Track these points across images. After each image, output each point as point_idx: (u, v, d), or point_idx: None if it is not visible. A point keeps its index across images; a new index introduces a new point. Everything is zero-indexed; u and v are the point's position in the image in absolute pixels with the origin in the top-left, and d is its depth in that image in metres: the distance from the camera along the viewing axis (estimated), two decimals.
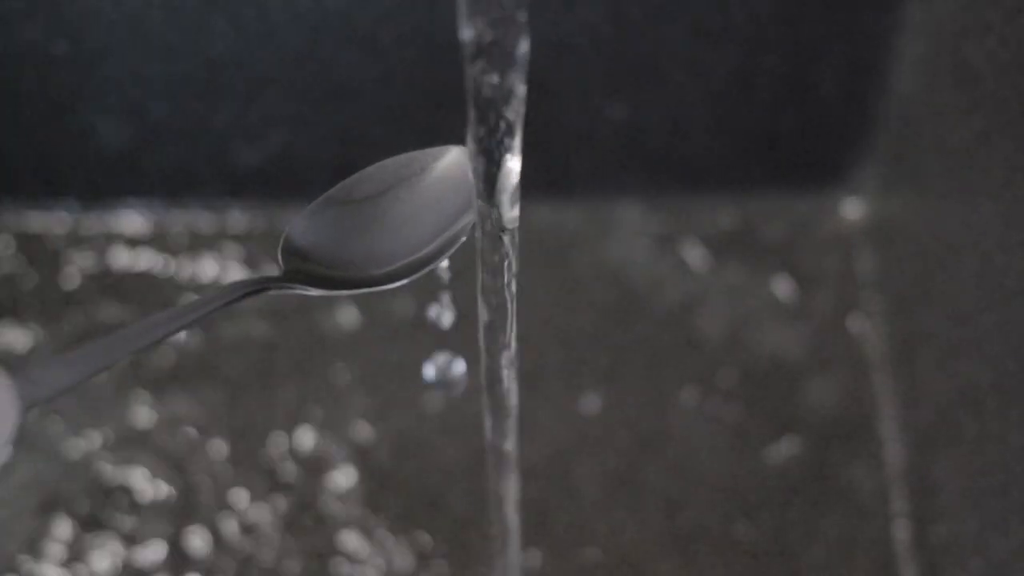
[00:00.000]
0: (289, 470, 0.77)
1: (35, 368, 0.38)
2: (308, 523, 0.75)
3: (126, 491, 0.76)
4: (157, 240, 0.83)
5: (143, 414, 0.78)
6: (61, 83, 0.79)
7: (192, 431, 0.78)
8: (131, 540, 0.75)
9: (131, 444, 0.77)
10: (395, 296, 0.80)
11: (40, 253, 0.82)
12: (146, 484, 0.76)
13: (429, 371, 0.57)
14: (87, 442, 0.77)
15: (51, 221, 0.83)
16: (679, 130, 0.83)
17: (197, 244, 0.83)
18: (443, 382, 0.56)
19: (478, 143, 0.38)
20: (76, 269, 0.82)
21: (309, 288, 0.44)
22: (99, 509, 0.75)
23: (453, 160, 0.45)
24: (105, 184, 0.83)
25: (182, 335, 0.78)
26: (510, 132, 0.37)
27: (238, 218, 0.84)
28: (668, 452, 0.78)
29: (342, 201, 0.46)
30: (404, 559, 0.75)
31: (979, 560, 0.67)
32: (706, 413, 0.79)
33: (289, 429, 0.78)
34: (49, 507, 0.75)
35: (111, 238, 0.83)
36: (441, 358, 0.57)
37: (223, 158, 0.82)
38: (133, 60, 0.78)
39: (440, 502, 0.76)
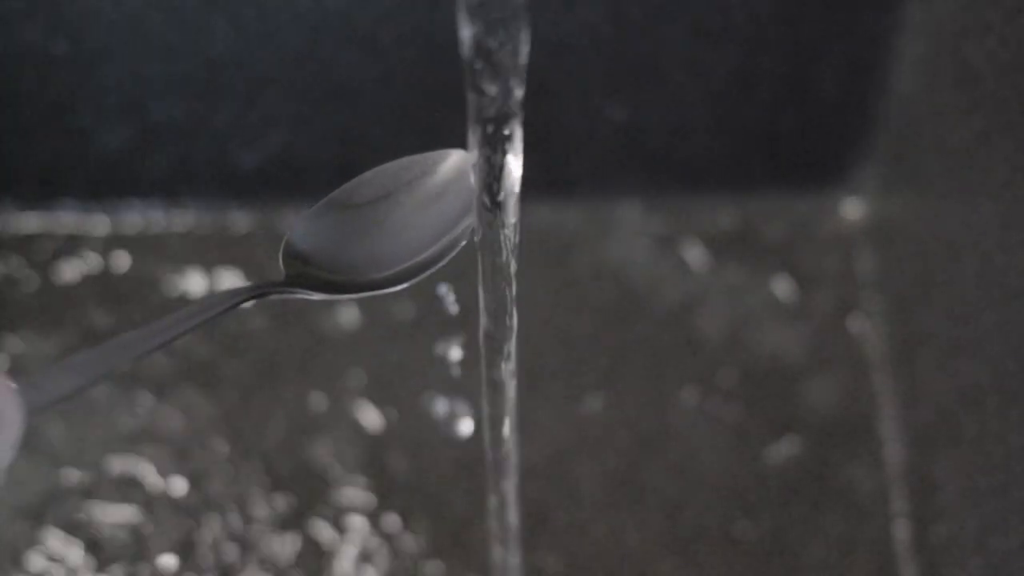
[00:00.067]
0: (289, 470, 0.77)
1: (39, 373, 0.38)
2: (307, 523, 0.75)
3: (126, 491, 0.76)
4: (157, 240, 0.83)
5: (143, 414, 0.78)
6: (61, 83, 0.79)
7: (192, 431, 0.78)
8: (130, 539, 0.75)
9: (131, 444, 0.77)
10: (396, 297, 0.80)
11: (40, 254, 0.82)
12: (145, 484, 0.76)
13: (440, 406, 0.57)
14: (87, 442, 0.77)
15: (51, 221, 0.83)
16: (679, 130, 0.83)
17: (197, 244, 0.83)
18: (449, 424, 0.57)
19: (478, 144, 0.38)
20: (76, 270, 0.82)
21: (311, 292, 0.44)
22: (98, 507, 0.75)
23: (454, 164, 0.45)
24: (105, 184, 0.83)
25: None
26: (510, 133, 0.37)
27: (238, 218, 0.84)
28: (668, 452, 0.78)
29: (343, 205, 0.46)
30: (404, 559, 0.75)
31: (979, 560, 0.67)
32: (706, 413, 0.79)
33: (289, 429, 0.78)
34: (46, 507, 0.75)
35: (111, 238, 0.83)
36: (448, 405, 0.57)
37: (223, 158, 0.82)
38: (133, 60, 0.78)
39: (440, 502, 0.76)
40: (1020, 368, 0.62)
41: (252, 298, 0.44)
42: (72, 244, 0.83)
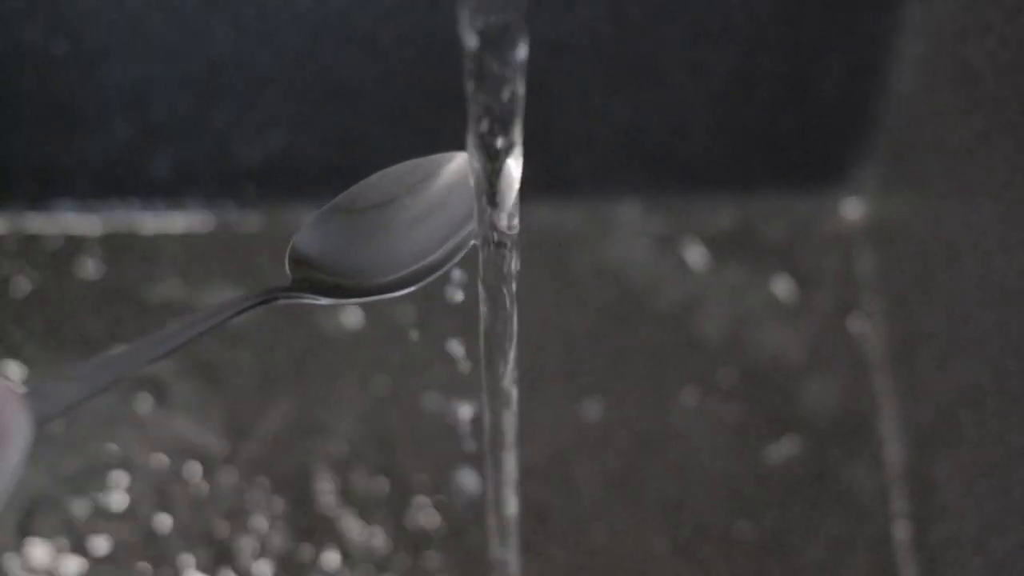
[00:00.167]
0: (289, 470, 0.77)
1: (46, 382, 0.38)
2: (307, 523, 0.75)
3: (123, 490, 0.76)
4: (157, 240, 0.83)
5: (142, 413, 0.78)
6: (61, 83, 0.79)
7: (192, 431, 0.78)
8: (130, 539, 0.75)
9: (130, 443, 0.77)
10: (397, 297, 0.80)
11: (40, 254, 0.82)
12: (145, 483, 0.76)
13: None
14: (86, 441, 0.77)
15: (51, 221, 0.83)
16: (679, 130, 0.83)
17: (197, 244, 0.83)
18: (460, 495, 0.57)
19: (478, 146, 0.38)
20: (76, 270, 0.82)
21: (318, 297, 0.44)
22: (98, 507, 0.75)
23: (458, 166, 0.45)
24: (105, 184, 0.83)
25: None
26: (510, 135, 0.37)
27: (238, 218, 0.84)
28: (668, 452, 0.78)
29: (348, 209, 0.46)
30: (403, 559, 0.75)
31: (979, 560, 0.67)
32: (706, 413, 0.79)
33: (289, 429, 0.78)
34: (41, 506, 0.75)
35: (111, 239, 0.83)
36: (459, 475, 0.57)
37: (223, 158, 0.82)
38: (133, 60, 0.78)
39: (440, 502, 0.76)
40: (1020, 368, 0.62)
41: (259, 304, 0.44)
42: (72, 244, 0.83)
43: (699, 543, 0.75)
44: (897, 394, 0.78)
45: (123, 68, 0.78)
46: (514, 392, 0.50)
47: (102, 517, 0.75)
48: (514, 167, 0.39)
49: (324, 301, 0.45)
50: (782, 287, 0.83)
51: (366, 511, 0.76)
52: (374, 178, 0.46)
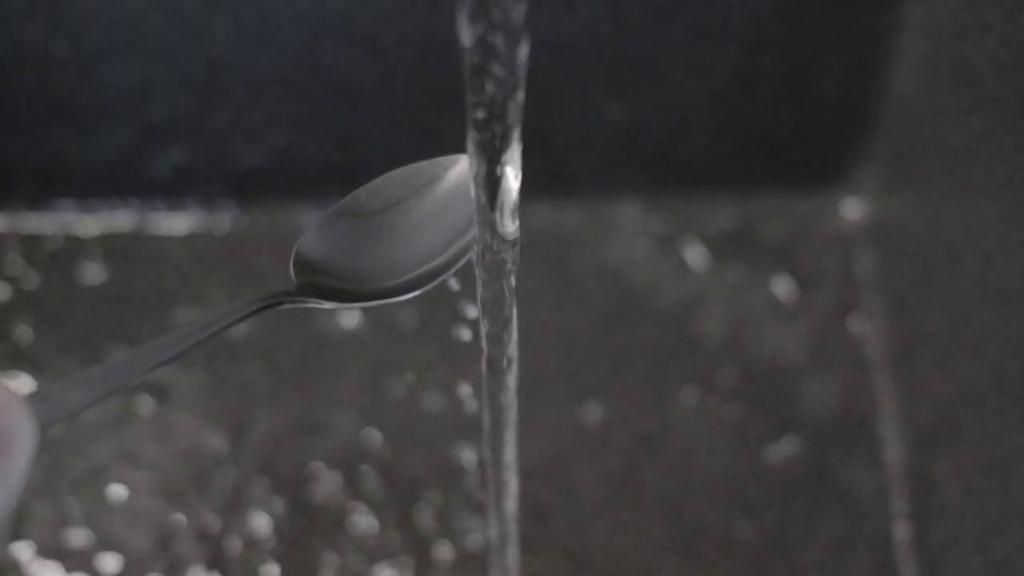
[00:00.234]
0: (289, 470, 0.77)
1: (51, 388, 0.38)
2: (307, 524, 0.75)
3: (121, 488, 0.76)
4: (157, 240, 0.83)
5: (143, 413, 0.78)
6: (61, 83, 0.79)
7: (191, 431, 0.78)
8: (130, 539, 0.75)
9: (130, 443, 0.77)
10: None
11: (40, 254, 0.82)
12: (144, 483, 0.76)
13: None
14: (87, 439, 0.77)
15: (51, 222, 0.83)
16: (679, 130, 0.83)
17: (197, 244, 0.83)
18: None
19: (477, 151, 0.38)
20: (76, 270, 0.82)
21: (322, 301, 0.44)
22: (97, 506, 0.75)
23: (463, 169, 0.45)
24: (105, 185, 0.83)
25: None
26: (510, 137, 0.37)
27: (238, 218, 0.84)
28: (668, 452, 0.78)
29: (352, 213, 0.46)
30: (403, 560, 0.75)
31: (979, 560, 0.67)
32: (706, 413, 0.79)
33: (289, 429, 0.78)
34: (40, 505, 0.75)
35: (111, 238, 0.83)
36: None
37: (223, 158, 0.82)
38: (133, 60, 0.78)
39: (440, 502, 0.76)
40: (1020, 368, 0.62)
41: (264, 309, 0.44)
42: (72, 244, 0.83)
43: (699, 543, 0.75)
44: (897, 394, 0.78)
45: (123, 68, 0.78)
46: (514, 400, 0.50)
47: (102, 516, 0.75)
48: (513, 174, 0.39)
49: (328, 305, 0.44)
50: (782, 287, 0.83)
51: (366, 511, 0.76)
52: (379, 181, 0.46)
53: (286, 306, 0.44)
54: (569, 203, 0.84)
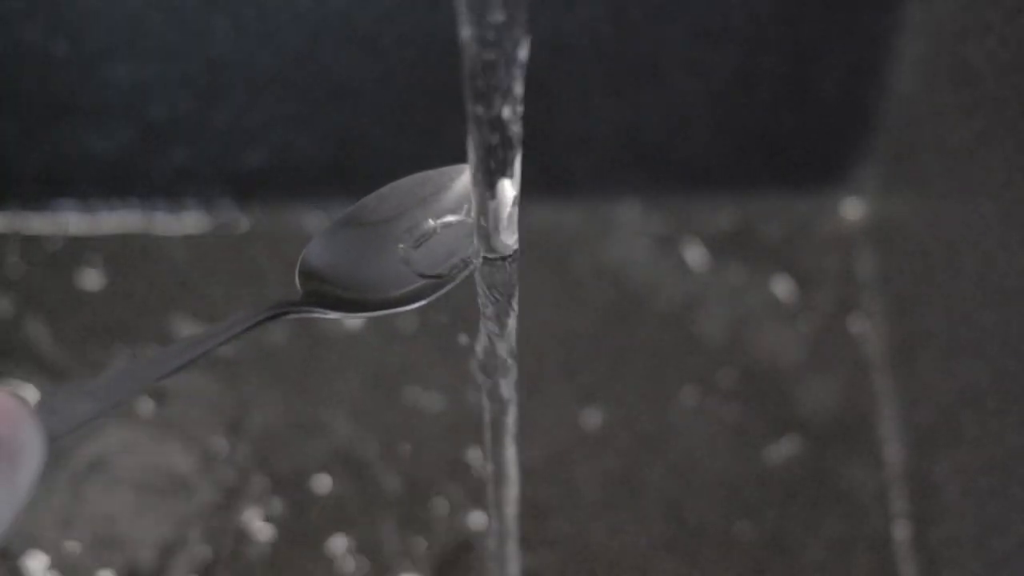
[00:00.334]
0: (289, 471, 0.77)
1: (58, 399, 0.38)
2: (307, 524, 0.75)
3: (120, 488, 0.76)
4: (157, 240, 0.83)
5: (144, 413, 0.78)
6: (61, 83, 0.79)
7: (191, 431, 0.78)
8: (129, 538, 0.75)
9: (129, 443, 0.77)
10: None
11: (40, 254, 0.83)
12: (143, 483, 0.76)
13: None
14: (86, 437, 0.77)
15: (51, 222, 0.83)
16: (679, 130, 0.83)
17: (197, 244, 0.83)
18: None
19: (477, 165, 0.38)
20: (76, 270, 0.82)
21: (328, 311, 0.44)
22: (95, 505, 0.75)
23: (468, 179, 0.45)
24: (105, 185, 0.83)
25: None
26: (510, 141, 0.37)
27: (238, 218, 0.84)
28: (668, 452, 0.78)
29: (358, 222, 0.46)
30: (403, 560, 0.75)
31: (979, 560, 0.67)
32: (706, 413, 0.79)
33: (289, 430, 0.78)
34: (39, 505, 0.75)
35: (111, 239, 0.83)
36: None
37: (223, 158, 0.82)
38: (133, 60, 0.78)
39: (440, 502, 0.76)
40: (1020, 368, 0.62)
41: (270, 319, 0.44)
42: (72, 244, 0.83)
43: (699, 543, 0.75)
44: (897, 394, 0.78)
45: (123, 68, 0.78)
46: (514, 404, 0.50)
47: (100, 515, 0.75)
48: (511, 187, 0.39)
49: (334, 315, 0.44)
50: (782, 287, 0.83)
51: (366, 511, 0.76)
52: (384, 191, 0.46)
53: (292, 316, 0.44)
54: (569, 203, 0.84)
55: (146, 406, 0.78)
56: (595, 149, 0.83)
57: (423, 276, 0.45)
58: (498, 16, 0.34)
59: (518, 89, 0.36)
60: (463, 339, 0.78)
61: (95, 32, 0.76)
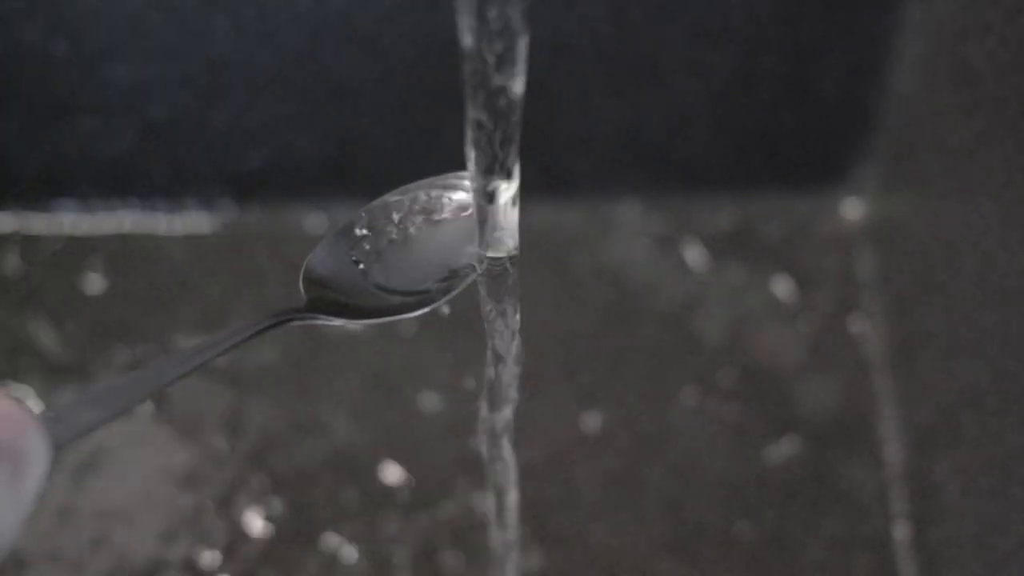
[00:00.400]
0: (289, 471, 0.77)
1: (63, 407, 0.38)
2: (307, 525, 0.75)
3: (121, 489, 0.76)
4: (157, 240, 0.83)
5: (144, 414, 0.78)
6: (61, 83, 0.79)
7: (191, 432, 0.78)
8: (129, 538, 0.75)
9: (129, 443, 0.77)
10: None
11: (40, 254, 0.83)
12: (143, 482, 0.76)
13: None
14: (86, 437, 0.77)
15: (51, 222, 0.83)
16: (679, 130, 0.83)
17: (197, 244, 0.83)
18: None
19: (477, 171, 0.38)
20: (76, 270, 0.82)
21: (332, 318, 0.44)
22: (95, 505, 0.75)
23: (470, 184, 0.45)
24: (105, 185, 0.83)
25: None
26: (509, 140, 0.37)
27: (238, 218, 0.84)
28: (668, 452, 0.78)
29: (363, 230, 0.46)
30: (403, 560, 0.75)
31: (979, 560, 0.67)
32: (706, 413, 0.79)
33: (289, 429, 0.78)
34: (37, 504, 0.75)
35: (111, 239, 0.83)
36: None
37: (223, 158, 0.82)
38: (133, 60, 0.78)
39: (439, 503, 0.76)
40: (1020, 368, 0.62)
41: (274, 326, 0.44)
42: (72, 244, 0.83)
43: (699, 543, 0.75)
44: (897, 394, 0.78)
45: (123, 68, 0.78)
46: (515, 396, 0.50)
47: (99, 514, 0.75)
48: (510, 189, 0.39)
49: (338, 321, 0.45)
50: (782, 287, 0.83)
51: (366, 511, 0.76)
52: (389, 197, 0.46)
53: (296, 323, 0.44)
54: (569, 203, 0.84)
55: (146, 405, 0.78)
56: (595, 149, 0.83)
57: (428, 282, 0.45)
58: (497, 15, 0.34)
59: (518, 89, 0.36)
60: (462, 341, 0.78)
61: (95, 32, 0.76)
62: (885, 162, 0.82)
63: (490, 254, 0.42)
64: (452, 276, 0.45)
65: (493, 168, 0.38)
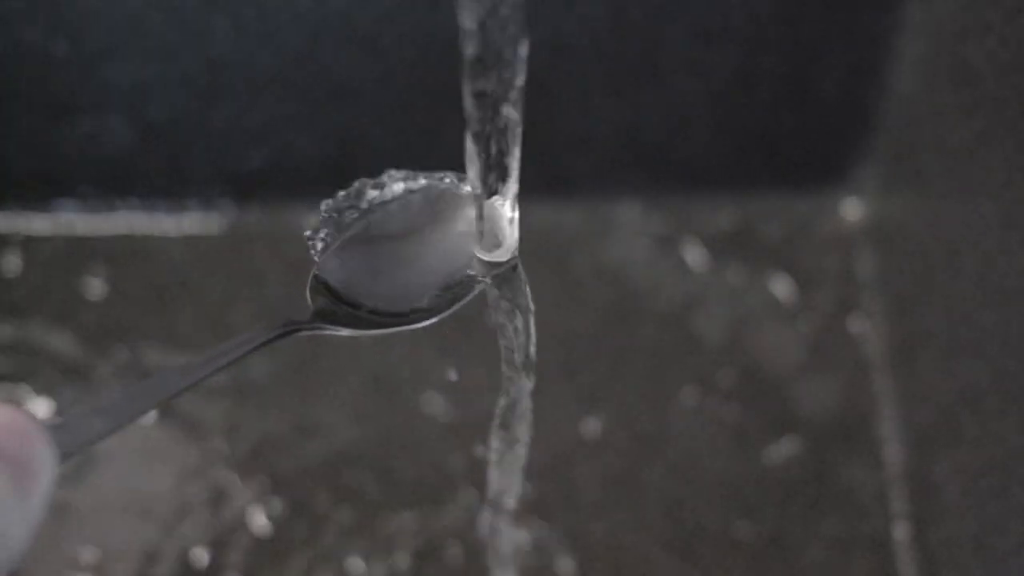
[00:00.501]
0: (289, 471, 0.77)
1: (70, 416, 0.38)
2: (307, 526, 0.75)
3: (121, 489, 0.76)
4: (157, 240, 0.83)
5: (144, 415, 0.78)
6: (61, 83, 0.79)
7: (191, 432, 0.78)
8: (128, 538, 0.75)
9: (128, 443, 0.77)
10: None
11: (40, 254, 0.82)
12: (142, 483, 0.76)
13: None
14: None
15: (51, 223, 0.83)
16: (679, 130, 0.83)
17: (197, 244, 0.83)
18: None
19: (476, 177, 0.38)
20: (76, 270, 0.82)
21: (339, 328, 0.44)
22: (94, 505, 0.75)
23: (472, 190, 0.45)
24: (105, 185, 0.83)
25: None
26: (509, 145, 0.38)
27: (238, 218, 0.84)
28: (668, 452, 0.78)
29: (369, 239, 0.46)
30: (403, 561, 0.75)
31: (979, 560, 0.67)
32: (706, 413, 0.79)
33: (289, 430, 0.78)
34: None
35: (111, 239, 0.83)
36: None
37: (223, 158, 0.82)
38: (133, 60, 0.78)
39: (439, 503, 0.76)
40: (1020, 368, 0.62)
41: (281, 337, 0.44)
42: (72, 244, 0.83)
43: (699, 543, 0.75)
44: (897, 394, 0.78)
45: (123, 68, 0.78)
46: (528, 403, 0.50)
47: (99, 514, 0.75)
48: (510, 195, 0.39)
49: (345, 332, 0.45)
50: (782, 287, 0.83)
51: (366, 512, 0.76)
52: (395, 206, 0.46)
53: (303, 333, 0.44)
54: (569, 203, 0.84)
55: None
56: (595, 149, 0.83)
57: (436, 292, 0.45)
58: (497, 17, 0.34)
59: (518, 89, 0.36)
60: (463, 340, 0.78)
61: (95, 32, 0.76)
62: (885, 162, 0.82)
63: (492, 259, 0.42)
64: (459, 283, 0.45)
65: (493, 172, 0.38)
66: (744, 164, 0.85)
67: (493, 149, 0.37)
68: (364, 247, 0.46)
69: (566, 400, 0.79)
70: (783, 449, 0.78)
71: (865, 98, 0.81)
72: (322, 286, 0.45)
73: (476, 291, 0.45)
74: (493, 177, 0.39)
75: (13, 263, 0.82)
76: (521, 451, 0.52)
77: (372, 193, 0.45)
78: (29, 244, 0.83)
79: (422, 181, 0.45)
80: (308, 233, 0.46)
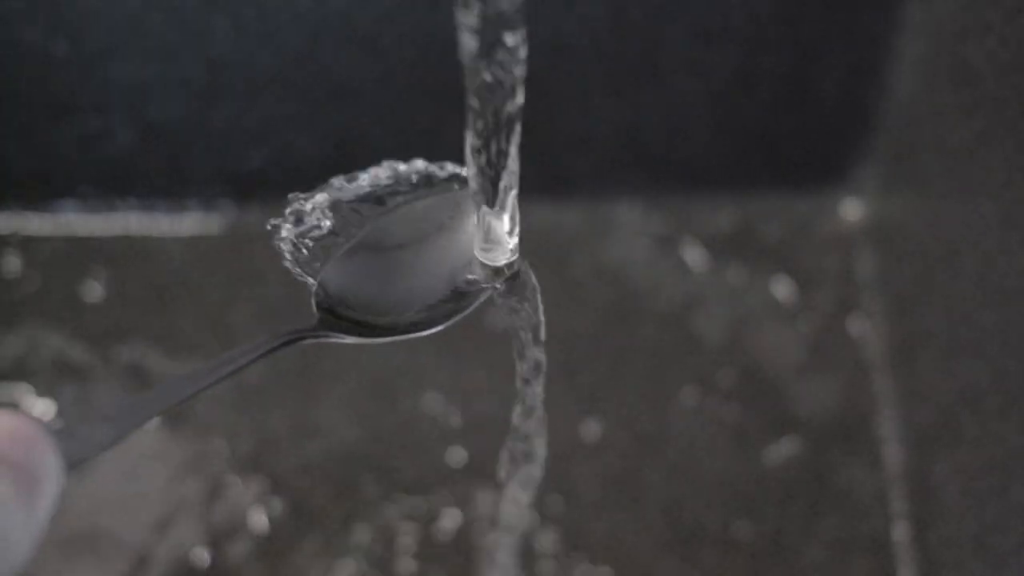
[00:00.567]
0: (289, 472, 0.77)
1: (76, 424, 0.38)
2: (307, 526, 0.75)
3: (121, 489, 0.76)
4: (157, 240, 0.83)
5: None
6: (61, 83, 0.79)
7: (191, 432, 0.78)
8: (128, 538, 0.75)
9: (128, 444, 0.77)
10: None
11: (40, 254, 0.82)
12: (142, 484, 0.76)
13: None
14: None
15: (51, 222, 0.83)
16: (679, 130, 0.83)
17: (197, 244, 0.83)
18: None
19: (476, 186, 0.38)
20: (76, 270, 0.82)
21: (344, 336, 0.44)
22: (93, 504, 0.75)
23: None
24: (105, 185, 0.83)
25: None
26: (508, 141, 0.38)
27: (238, 218, 0.84)
28: (668, 452, 0.78)
29: (374, 247, 0.46)
30: (404, 561, 0.75)
31: (979, 559, 0.67)
32: (706, 413, 0.79)
33: (289, 431, 0.78)
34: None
35: (111, 239, 0.83)
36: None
37: (223, 158, 0.82)
38: (133, 60, 0.78)
39: (439, 504, 0.76)
40: (1020, 368, 0.62)
41: (286, 345, 0.44)
42: (72, 244, 0.83)
43: (699, 543, 0.75)
44: (897, 394, 0.78)
45: (123, 68, 0.78)
46: (541, 408, 0.50)
47: (99, 515, 0.75)
48: (510, 198, 0.39)
49: (350, 340, 0.45)
50: (781, 287, 0.83)
51: (366, 512, 0.76)
52: (400, 213, 0.46)
53: (308, 341, 0.44)
54: (569, 203, 0.84)
55: None
56: (595, 149, 0.83)
57: (441, 299, 0.45)
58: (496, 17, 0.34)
59: (517, 92, 0.36)
60: (462, 341, 0.78)
61: (95, 32, 0.76)
62: (885, 162, 0.82)
63: (493, 261, 0.42)
64: (464, 289, 0.45)
65: (493, 172, 0.38)
66: (744, 164, 0.85)
67: (493, 149, 0.37)
68: (368, 254, 0.46)
69: (566, 400, 0.79)
70: (783, 449, 0.78)
71: (865, 98, 0.81)
72: (327, 294, 0.45)
73: (483, 298, 0.44)
74: (493, 177, 0.39)
75: (13, 263, 0.82)
76: (536, 472, 0.52)
77: (341, 182, 0.45)
78: (29, 244, 0.83)
79: (419, 164, 0.45)
80: (272, 222, 0.46)
